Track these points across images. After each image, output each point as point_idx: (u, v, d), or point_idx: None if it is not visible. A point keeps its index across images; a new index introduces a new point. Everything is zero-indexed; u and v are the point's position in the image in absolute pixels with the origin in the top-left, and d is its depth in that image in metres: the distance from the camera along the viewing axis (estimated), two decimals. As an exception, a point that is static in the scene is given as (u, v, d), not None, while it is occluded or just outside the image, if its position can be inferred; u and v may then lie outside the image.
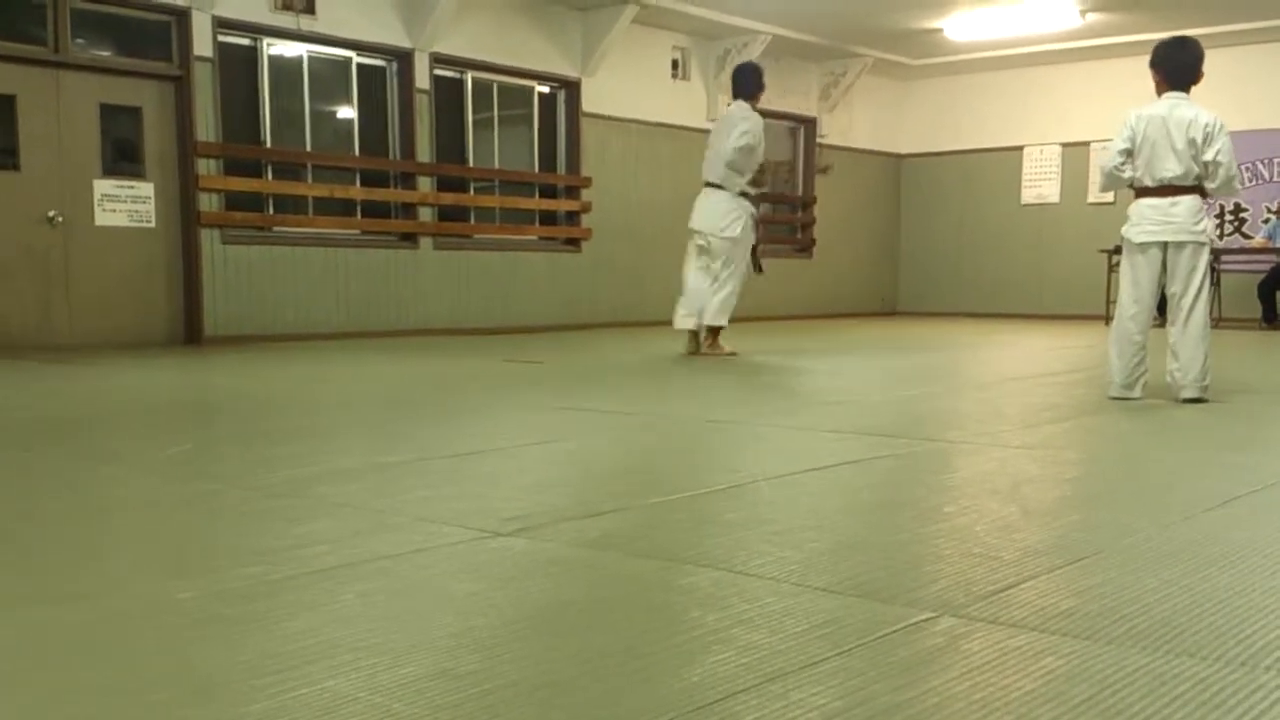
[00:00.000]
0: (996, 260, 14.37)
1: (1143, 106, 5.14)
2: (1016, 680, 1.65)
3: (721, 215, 7.36)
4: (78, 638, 1.83)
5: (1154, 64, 5.13)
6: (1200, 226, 4.99)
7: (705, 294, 7.41)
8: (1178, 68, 5.06)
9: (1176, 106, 4.99)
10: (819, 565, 2.29)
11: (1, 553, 2.40)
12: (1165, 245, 5.02)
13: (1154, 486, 3.26)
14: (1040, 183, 14.04)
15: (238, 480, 3.24)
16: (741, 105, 7.48)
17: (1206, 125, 4.92)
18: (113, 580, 2.20)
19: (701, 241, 7.45)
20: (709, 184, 7.47)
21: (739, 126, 7.30)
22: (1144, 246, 5.05)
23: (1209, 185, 4.98)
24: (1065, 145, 13.75)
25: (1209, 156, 4.91)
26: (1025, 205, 14.15)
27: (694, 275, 7.47)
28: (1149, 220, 5.03)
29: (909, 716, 1.52)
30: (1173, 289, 5.06)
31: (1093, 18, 11.45)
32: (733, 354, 7.54)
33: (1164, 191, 5.00)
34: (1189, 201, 4.98)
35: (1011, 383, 6.28)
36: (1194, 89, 5.10)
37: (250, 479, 3.26)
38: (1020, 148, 14.10)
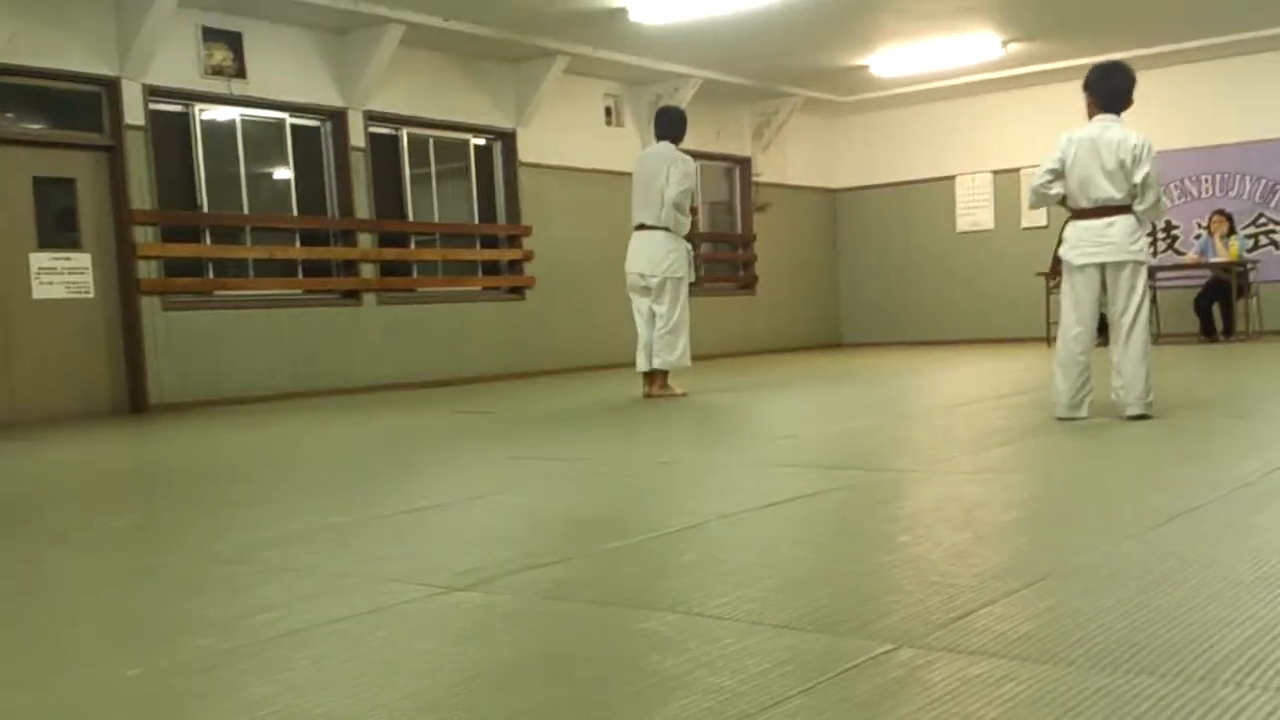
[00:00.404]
0: (936, 288, 14.56)
1: (1075, 129, 5.23)
2: (979, 709, 1.66)
3: (664, 256, 7.38)
4: (24, 724, 1.78)
5: (1086, 87, 5.23)
6: (1137, 246, 5.06)
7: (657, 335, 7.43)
8: (1110, 92, 5.16)
9: (1107, 129, 5.08)
10: (777, 602, 2.29)
11: (-58, 640, 2.33)
12: (1103, 266, 5.09)
13: (1104, 505, 3.30)
14: (974, 210, 14.28)
15: (185, 550, 3.19)
16: (668, 146, 7.48)
17: (1135, 146, 5.01)
18: (60, 661, 2.14)
19: (644, 283, 7.46)
20: (645, 226, 7.45)
21: (677, 167, 7.32)
22: (1083, 268, 5.12)
23: (1138, 207, 5.08)
24: (996, 173, 14.00)
25: (1137, 178, 5.01)
26: (961, 233, 14.38)
27: (644, 320, 7.48)
28: (1086, 242, 5.10)
29: (873, 750, 1.52)
30: (1113, 308, 5.13)
31: (1014, 48, 11.71)
32: (683, 395, 7.55)
33: (1098, 213, 5.07)
34: (1124, 221, 5.04)
35: (958, 408, 6.34)
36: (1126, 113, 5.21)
37: (198, 548, 3.21)
38: (952, 177, 14.34)
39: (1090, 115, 5.21)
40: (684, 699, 1.74)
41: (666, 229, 7.38)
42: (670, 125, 7.58)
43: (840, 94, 13.83)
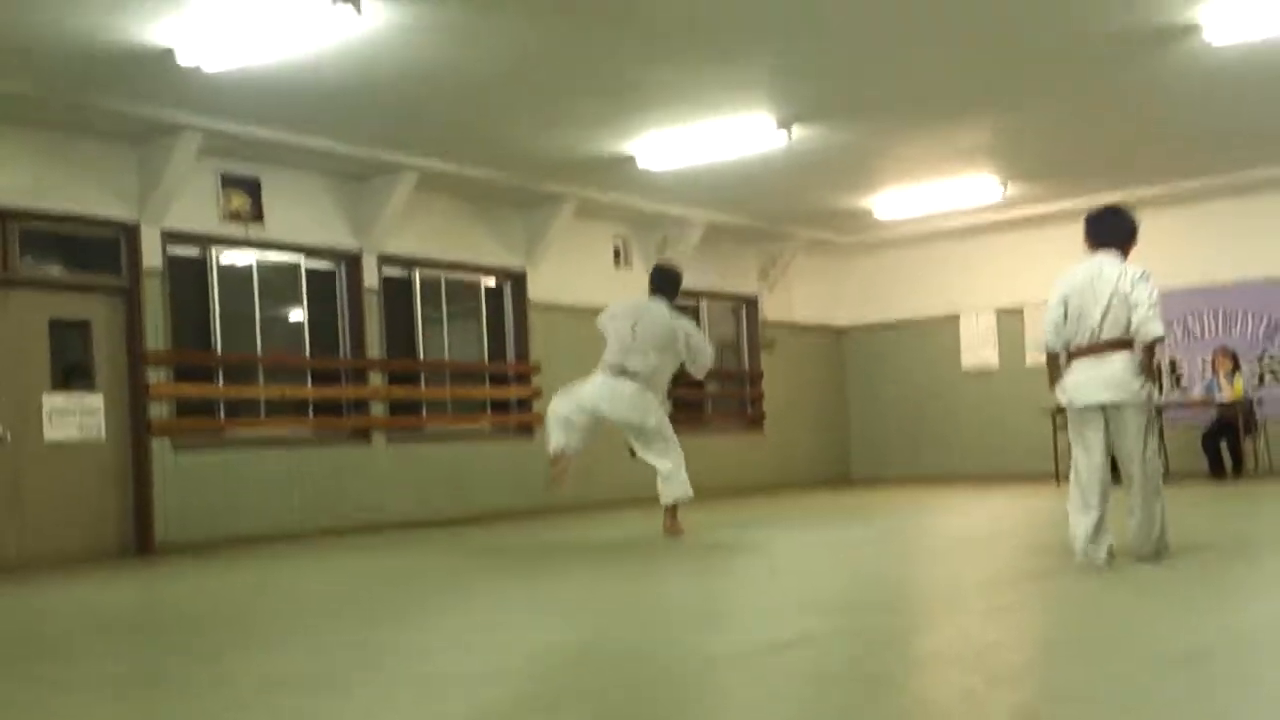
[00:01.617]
0: (944, 425, 14.57)
1: (1071, 266, 5.20)
2: None
3: (644, 404, 7.45)
4: None
5: (1085, 230, 5.23)
6: (1137, 386, 4.94)
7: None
8: (1106, 229, 5.16)
9: (1104, 265, 5.05)
10: (785, 748, 2.26)
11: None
12: (1104, 406, 4.98)
13: (1116, 646, 3.26)
14: (979, 348, 14.38)
15: (193, 696, 3.15)
16: (663, 304, 7.62)
17: (1130, 275, 4.96)
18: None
19: (588, 419, 7.48)
20: (626, 371, 7.43)
21: (696, 337, 7.66)
22: (1083, 410, 5.03)
23: (1134, 325, 4.94)
24: (1000, 311, 14.15)
25: (1132, 298, 4.92)
26: (966, 370, 14.45)
27: (578, 424, 7.50)
28: (1085, 383, 5.01)
29: None
30: (1120, 450, 5.00)
31: (1014, 189, 11.97)
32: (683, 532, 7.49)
33: (1096, 350, 5.00)
34: (1122, 359, 4.95)
35: (968, 547, 6.30)
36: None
37: (198, 697, 3.17)
38: (956, 315, 14.48)
39: (1092, 253, 5.20)
40: None
41: (644, 380, 7.46)
42: (669, 286, 7.78)
43: (844, 235, 14.09)
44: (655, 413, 7.49)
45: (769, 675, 3.05)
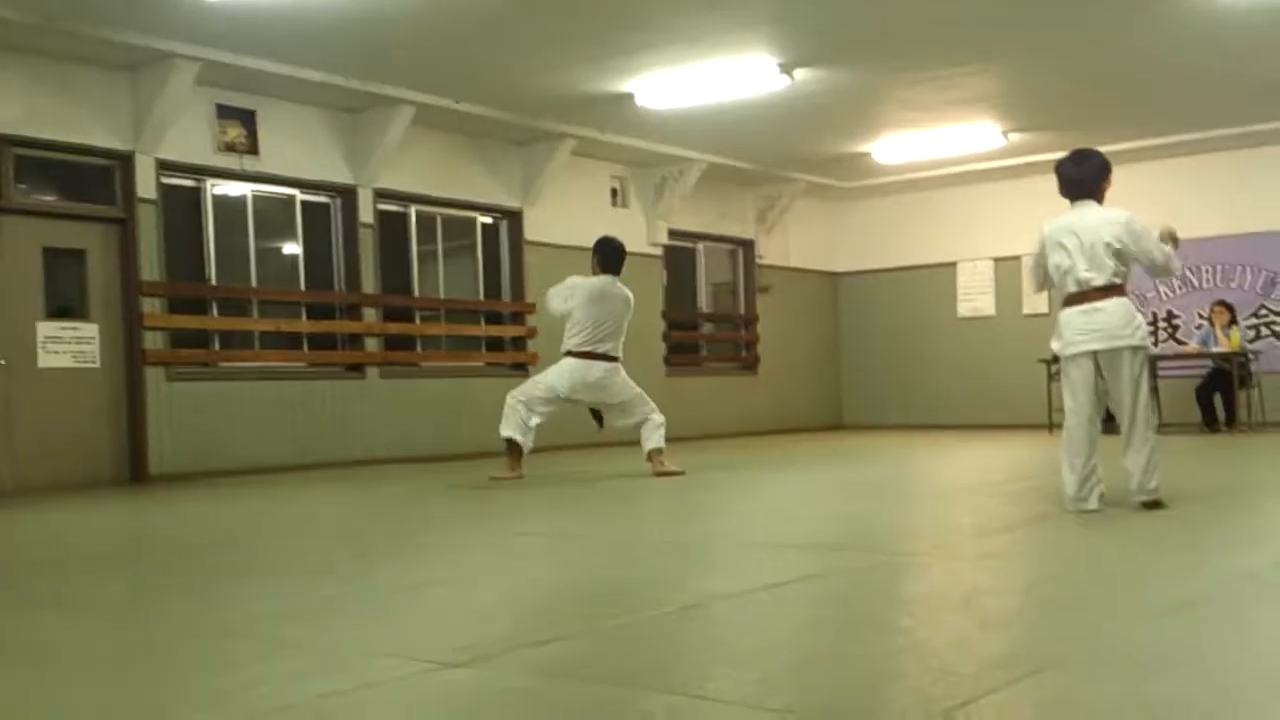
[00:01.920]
0: (937, 373, 14.59)
1: (1053, 216, 5.18)
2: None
3: (620, 384, 7.64)
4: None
5: (1058, 182, 5.19)
6: (1130, 330, 4.92)
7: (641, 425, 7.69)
8: (1070, 180, 5.12)
9: (1085, 212, 5.03)
10: (777, 686, 2.28)
11: (-65, 709, 2.32)
12: (1095, 354, 4.97)
13: (1107, 594, 3.29)
14: (975, 296, 14.36)
15: (178, 623, 3.17)
16: (616, 281, 7.71)
17: (1122, 223, 4.93)
18: (52, 733, 2.12)
19: (564, 403, 7.66)
20: (599, 355, 7.55)
21: (630, 308, 7.75)
22: (1074, 358, 5.02)
23: (1157, 272, 5.03)
24: (997, 260, 14.11)
25: (1137, 250, 4.92)
26: (962, 318, 14.45)
27: (548, 414, 7.71)
28: (1075, 329, 5.00)
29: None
30: (1114, 396, 4.99)
31: (1015, 138, 11.89)
32: (683, 472, 7.62)
33: (1085, 297, 4.98)
34: (1113, 306, 4.93)
35: (960, 493, 6.33)
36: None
37: (197, 619, 3.19)
38: (954, 263, 14.45)
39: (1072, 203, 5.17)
40: (682, 782, 1.72)
41: (619, 361, 7.67)
42: (617, 262, 7.82)
43: (843, 179, 14.00)
44: (629, 384, 7.70)
45: (762, 614, 3.06)
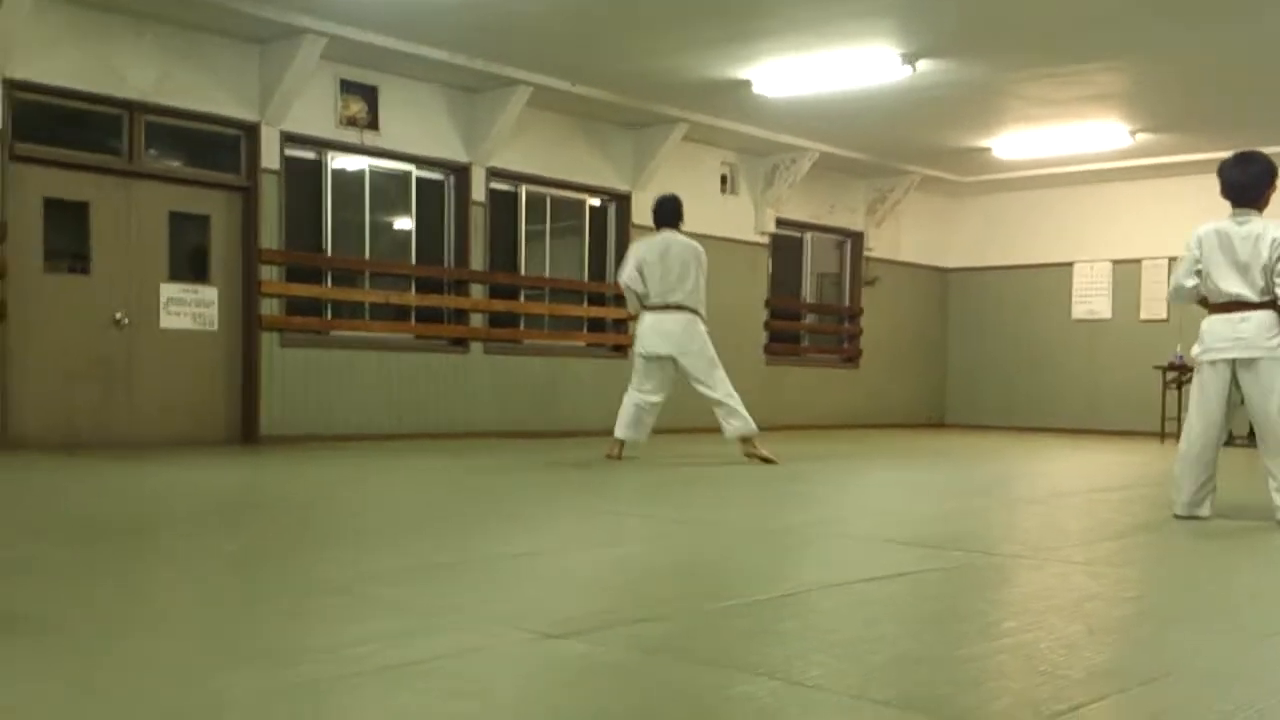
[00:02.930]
0: (1047, 374, 14.27)
1: (1209, 222, 5.01)
2: (1088, 800, 1.61)
3: (692, 334, 7.61)
4: (139, 731, 1.84)
5: (1220, 183, 5.01)
6: (1274, 342, 4.77)
7: (650, 410, 7.69)
8: (1232, 184, 4.96)
9: (1244, 223, 4.86)
10: (879, 678, 2.25)
11: (58, 649, 2.42)
12: (1234, 362, 4.84)
13: (1224, 606, 3.19)
14: (1091, 298, 14.00)
15: (291, 579, 3.26)
16: (677, 234, 7.74)
17: (1275, 240, 4.76)
18: (171, 676, 2.20)
19: (650, 365, 7.63)
20: (671, 306, 7.60)
21: (702, 260, 7.68)
22: (1213, 364, 4.90)
23: None
24: (1116, 262, 13.73)
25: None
26: (1076, 320, 14.10)
27: (640, 392, 7.69)
28: (1217, 337, 4.88)
29: (979, 833, 1.48)
30: (1252, 407, 4.84)
31: (1143, 137, 11.53)
32: (775, 460, 7.59)
33: (1230, 308, 4.85)
34: (1259, 318, 4.79)
35: (1067, 497, 6.18)
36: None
37: (308, 576, 3.28)
38: (1070, 264, 14.10)
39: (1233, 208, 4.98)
40: (783, 765, 1.72)
41: (695, 311, 7.63)
42: (673, 215, 7.87)
43: (959, 174, 13.75)
44: (706, 347, 7.63)
45: (862, 607, 3.04)
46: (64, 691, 2.07)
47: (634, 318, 7.92)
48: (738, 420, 7.59)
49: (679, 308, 7.63)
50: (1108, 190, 13.56)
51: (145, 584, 3.22)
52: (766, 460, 7.56)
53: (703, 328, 7.69)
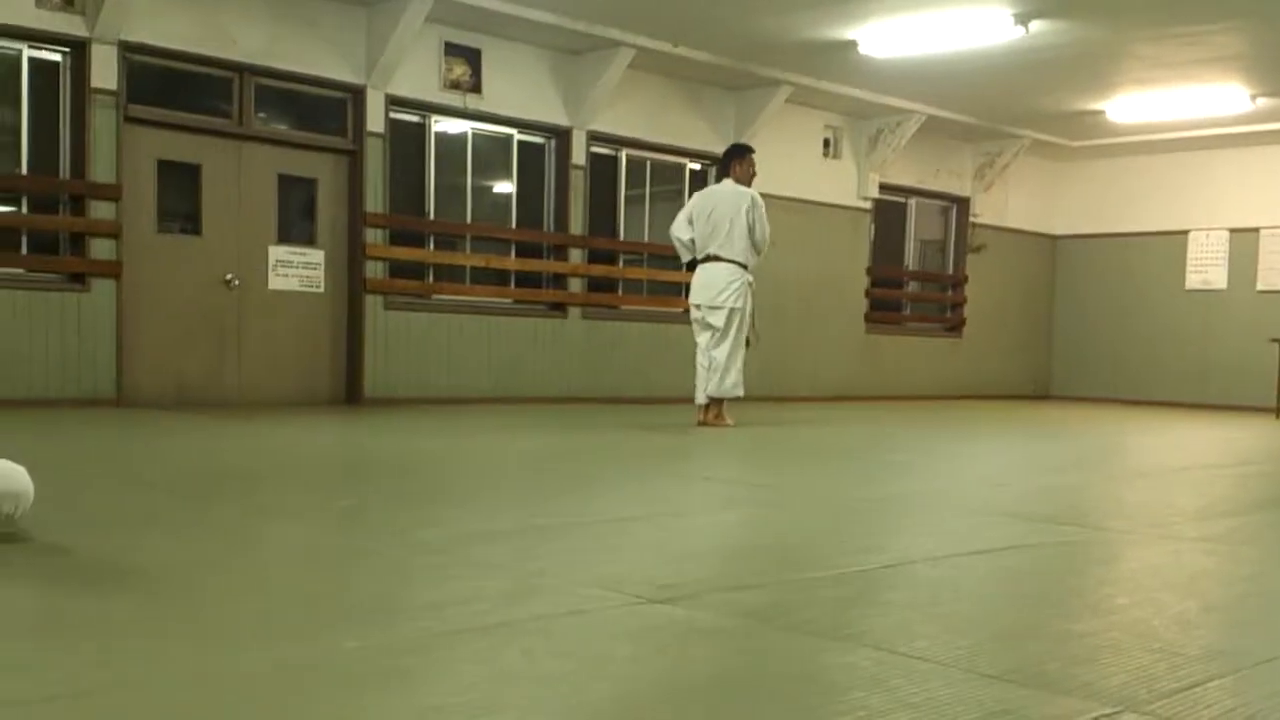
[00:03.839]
0: (1157, 346, 13.85)
1: None
2: (1208, 783, 1.56)
3: (726, 285, 7.51)
4: (239, 686, 1.88)
5: None
6: None
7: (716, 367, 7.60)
8: None
9: None
10: (988, 651, 2.21)
11: (173, 602, 2.50)
12: None
13: (1345, 588, 3.06)
14: (1206, 268, 13.53)
15: (396, 537, 3.32)
16: (738, 185, 7.63)
17: None
18: (281, 629, 2.26)
19: (705, 315, 7.56)
20: (715, 258, 7.53)
21: (750, 203, 7.50)
22: None
23: None
24: (1233, 231, 13.24)
25: None
26: (1190, 291, 13.64)
27: (701, 356, 7.66)
28: None
29: (1094, 813, 1.44)
30: None
31: (1264, 102, 11.06)
32: (733, 424, 7.57)
33: None
34: None
35: (1179, 472, 6.00)
36: None
37: (408, 536, 3.33)
38: (1185, 232, 13.63)
39: None
40: (888, 737, 1.70)
41: (737, 263, 7.51)
42: (728, 157, 7.80)
43: (1071, 138, 13.36)
44: (732, 299, 7.48)
45: (968, 580, 2.98)
46: (176, 646, 2.13)
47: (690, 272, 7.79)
48: (720, 379, 7.48)
49: (718, 259, 7.53)
50: (1225, 156, 13.05)
51: (255, 540, 3.31)
52: (723, 424, 7.53)
53: (742, 281, 7.51)
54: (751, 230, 7.52)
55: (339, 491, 4.45)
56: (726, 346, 7.52)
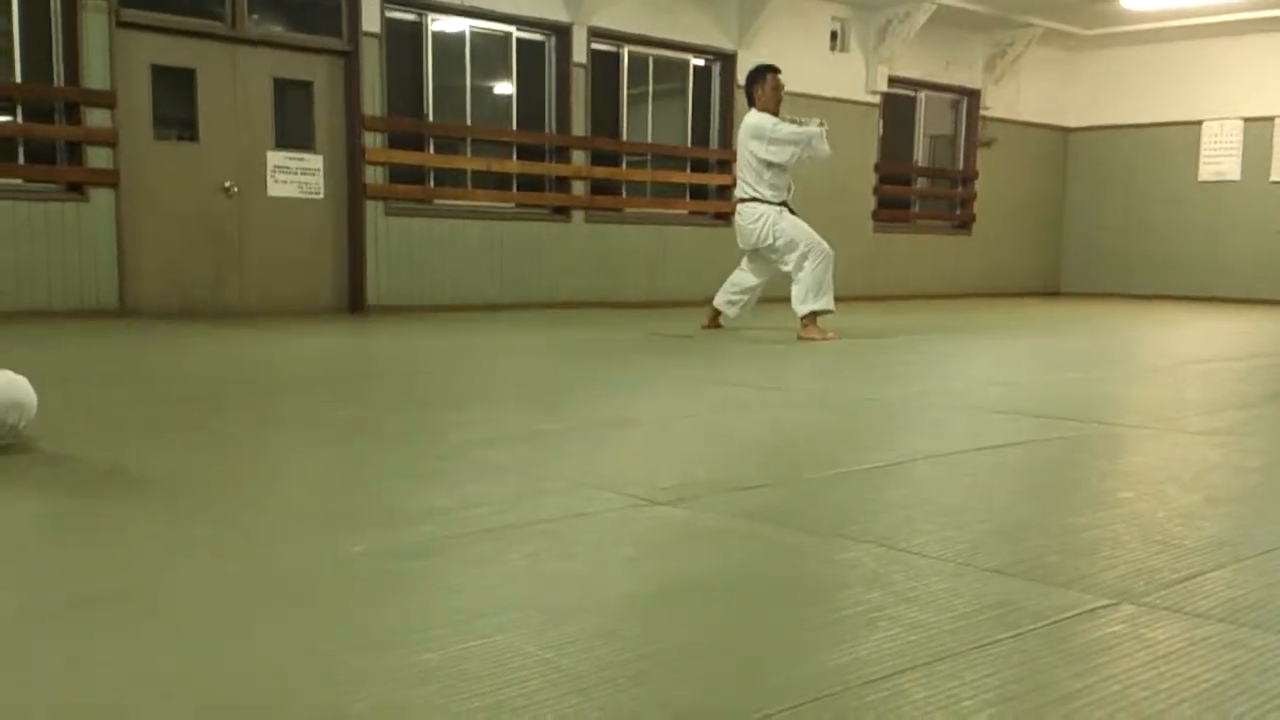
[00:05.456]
0: (1169, 240, 13.73)
1: None
2: (1205, 671, 1.56)
3: (748, 231, 7.21)
4: (253, 588, 1.90)
5: None
6: None
7: (752, 287, 7.43)
8: None
9: None
10: (987, 546, 2.22)
11: (189, 510, 2.51)
12: None
13: (1350, 478, 3.05)
14: (1220, 159, 13.33)
15: (403, 443, 3.33)
16: (750, 114, 7.23)
17: None
18: (286, 535, 2.27)
19: (754, 254, 7.35)
20: (740, 199, 7.28)
21: (754, 132, 7.12)
22: None
23: None
24: (1248, 120, 13.02)
25: None
26: (1203, 183, 13.47)
27: (736, 272, 7.49)
28: None
29: (1090, 702, 1.45)
30: None
31: (1283, -16, 10.81)
32: (833, 337, 7.13)
33: None
34: None
35: (1188, 366, 5.99)
36: None
37: (415, 442, 3.34)
38: (1199, 122, 13.41)
39: None
40: (887, 630, 1.71)
41: (750, 199, 7.20)
42: (747, 83, 7.37)
43: (1084, 26, 13.07)
44: (761, 238, 7.17)
45: (971, 477, 2.99)
46: (197, 554, 2.14)
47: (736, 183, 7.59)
48: (798, 290, 7.15)
49: (740, 200, 7.30)
50: (1243, 43, 12.77)
51: (265, 448, 3.32)
52: (825, 338, 7.11)
53: (762, 216, 7.16)
54: (768, 160, 7.07)
55: (344, 399, 4.45)
56: (788, 266, 7.15)
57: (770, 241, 7.17)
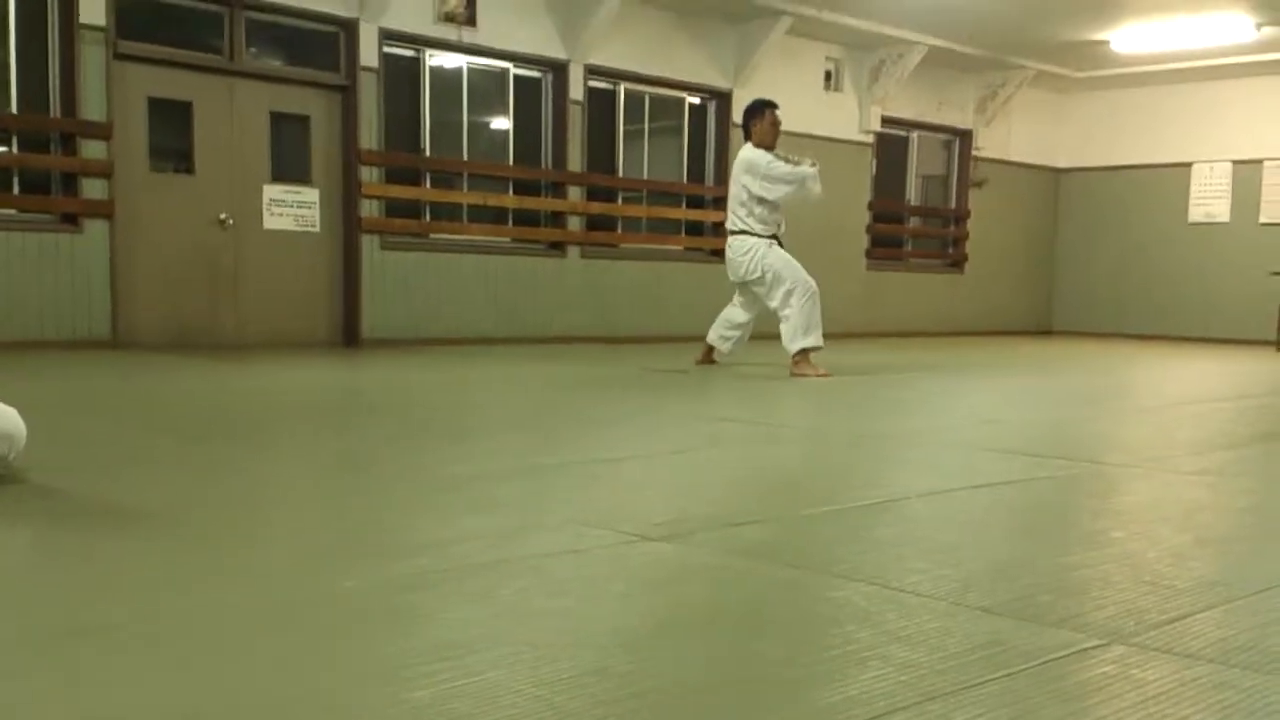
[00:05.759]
0: (1159, 281, 13.81)
1: None
2: (1195, 712, 1.57)
3: (739, 263, 7.19)
4: (246, 621, 1.90)
5: None
6: None
7: (744, 323, 7.40)
8: None
9: None
10: (978, 585, 2.22)
11: (180, 542, 2.51)
12: None
13: (1339, 520, 3.07)
14: (1209, 201, 13.44)
15: (397, 476, 3.33)
16: (746, 148, 7.22)
17: None
18: (279, 568, 2.27)
19: (743, 287, 7.35)
20: (730, 230, 7.28)
21: (747, 167, 7.12)
22: None
23: None
24: (1236, 162, 13.13)
25: None
26: (1193, 224, 13.57)
27: (728, 308, 7.46)
28: None
29: (1081, 744, 1.46)
30: None
31: (1269, 30, 10.91)
32: (825, 375, 7.04)
33: None
34: None
35: (1178, 407, 6.01)
36: None
37: (410, 475, 3.34)
38: (1188, 164, 13.52)
39: None
40: (878, 670, 1.71)
41: (739, 231, 7.20)
42: (745, 119, 7.34)
43: (1075, 69, 13.20)
44: (750, 271, 7.16)
45: (962, 515, 2.99)
46: (190, 586, 2.14)
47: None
48: (784, 334, 7.13)
49: (730, 233, 7.30)
50: (1230, 86, 12.91)
51: (259, 480, 3.32)
52: (818, 375, 7.03)
53: (751, 249, 7.13)
54: (760, 196, 7.05)
55: (342, 432, 4.45)
56: (774, 303, 7.13)
57: (758, 274, 7.16)
